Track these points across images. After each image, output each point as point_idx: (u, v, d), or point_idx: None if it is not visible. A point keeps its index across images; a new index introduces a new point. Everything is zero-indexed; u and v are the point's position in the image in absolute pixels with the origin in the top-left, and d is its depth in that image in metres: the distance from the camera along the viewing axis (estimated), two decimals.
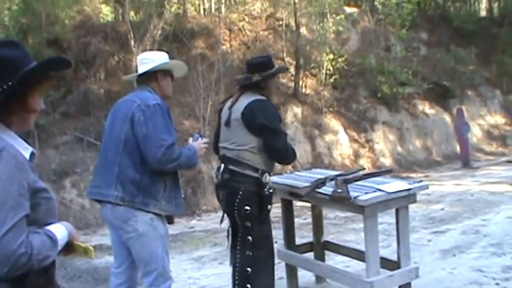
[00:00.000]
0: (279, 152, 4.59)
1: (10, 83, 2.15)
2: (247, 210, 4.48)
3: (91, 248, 2.42)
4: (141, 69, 4.19)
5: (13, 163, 2.09)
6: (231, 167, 4.57)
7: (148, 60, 4.19)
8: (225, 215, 4.75)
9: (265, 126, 4.47)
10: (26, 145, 2.29)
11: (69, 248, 2.37)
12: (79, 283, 6.45)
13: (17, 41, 2.38)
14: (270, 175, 4.64)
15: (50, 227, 2.23)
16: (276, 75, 4.91)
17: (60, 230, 2.28)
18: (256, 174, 4.52)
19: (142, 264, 4.04)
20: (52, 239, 2.19)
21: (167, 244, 4.16)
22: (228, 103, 4.76)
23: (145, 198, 3.93)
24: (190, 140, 4.37)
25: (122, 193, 3.91)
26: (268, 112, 4.54)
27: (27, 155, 2.24)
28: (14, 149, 2.15)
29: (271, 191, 4.57)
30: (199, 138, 4.35)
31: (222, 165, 4.64)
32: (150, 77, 4.18)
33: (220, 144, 4.77)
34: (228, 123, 4.65)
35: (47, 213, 2.26)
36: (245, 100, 4.56)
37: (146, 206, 3.94)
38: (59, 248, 2.26)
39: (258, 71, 4.65)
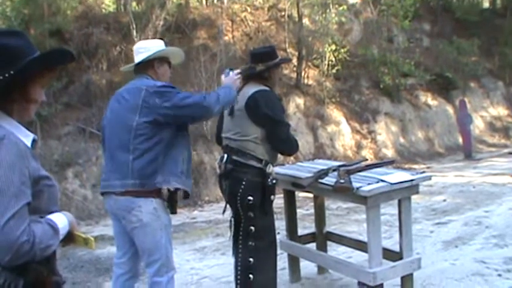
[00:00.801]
0: (282, 142, 4.60)
1: (12, 72, 2.14)
2: (250, 200, 4.48)
3: (91, 238, 2.41)
4: (138, 59, 4.20)
5: (14, 151, 2.09)
6: (234, 157, 4.57)
7: (144, 49, 4.19)
8: (228, 205, 4.76)
9: (269, 117, 4.47)
10: (28, 132, 2.29)
11: (69, 238, 2.37)
12: (81, 273, 6.46)
13: (20, 30, 2.38)
14: (273, 165, 4.64)
15: (51, 216, 2.24)
16: (279, 66, 4.91)
17: (61, 219, 2.28)
18: (259, 165, 4.51)
19: (146, 254, 4.04)
20: (54, 228, 2.19)
21: (170, 234, 4.17)
22: None
23: (165, 176, 3.96)
24: (223, 77, 4.45)
25: (140, 179, 3.91)
26: (272, 103, 4.54)
27: (28, 142, 2.23)
28: (15, 136, 2.15)
29: (274, 181, 4.57)
30: (230, 73, 4.42)
31: (226, 156, 4.64)
32: (146, 66, 4.19)
33: (223, 135, 4.77)
34: (231, 113, 4.65)
35: (49, 200, 2.26)
36: (249, 90, 4.56)
37: (168, 183, 3.96)
38: (60, 237, 2.26)
39: (262, 61, 4.65)
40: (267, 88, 4.61)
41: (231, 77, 4.35)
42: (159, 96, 3.91)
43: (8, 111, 2.22)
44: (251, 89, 4.56)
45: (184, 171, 4.08)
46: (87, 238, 2.40)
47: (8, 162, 2.05)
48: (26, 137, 2.24)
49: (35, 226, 2.09)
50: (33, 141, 2.29)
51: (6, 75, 2.13)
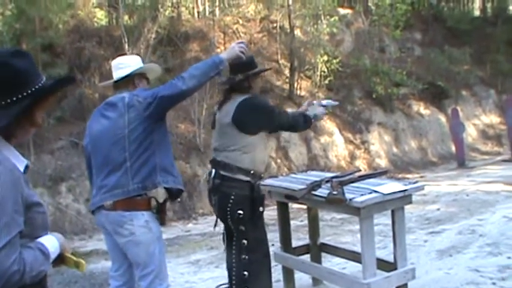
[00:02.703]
0: (287, 127, 4.92)
1: (20, 96, 2.15)
2: (240, 214, 4.50)
3: (82, 261, 2.40)
4: (117, 74, 4.22)
5: (9, 178, 2.07)
6: (222, 172, 4.59)
7: (124, 64, 4.22)
8: (218, 219, 4.78)
9: (262, 121, 4.60)
10: (21, 158, 2.28)
11: (60, 259, 2.36)
12: None
13: (24, 50, 2.38)
14: (262, 174, 4.72)
15: (41, 239, 2.23)
16: (259, 75, 4.91)
17: (52, 242, 2.27)
18: (247, 178, 4.54)
19: (140, 267, 4.03)
20: (44, 253, 2.19)
21: (163, 245, 4.17)
22: (217, 106, 4.86)
23: (163, 177, 3.99)
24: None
25: (141, 183, 3.93)
26: (258, 107, 4.64)
27: (21, 168, 2.22)
28: (10, 163, 2.14)
29: (262, 193, 4.62)
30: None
31: (213, 170, 4.67)
32: (127, 82, 4.20)
33: (212, 146, 4.83)
34: (215, 125, 4.72)
35: (39, 227, 2.25)
36: (234, 103, 4.60)
37: (167, 183, 4.00)
38: (51, 261, 2.25)
39: (241, 71, 4.67)
40: (249, 95, 4.66)
41: (232, 46, 4.33)
42: (139, 95, 3.99)
43: (9, 135, 2.21)
44: (236, 100, 4.60)
45: (176, 171, 4.14)
46: (78, 261, 2.39)
47: (2, 190, 2.03)
48: (20, 163, 2.23)
49: (25, 253, 2.08)
50: (26, 167, 2.27)
51: (14, 98, 2.14)
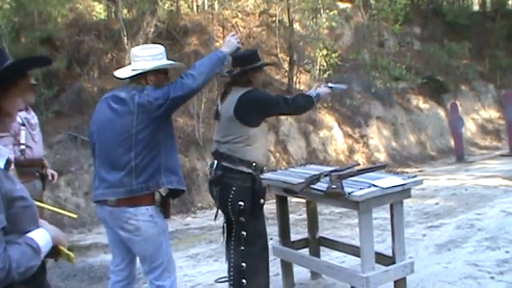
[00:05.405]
0: (288, 112, 5.20)
1: None
2: (241, 205, 4.52)
3: (72, 255, 2.37)
4: (132, 66, 4.05)
5: None
6: (224, 163, 4.62)
7: (139, 58, 4.04)
8: (219, 211, 4.79)
9: (263, 111, 4.67)
10: (1, 152, 2.20)
11: (55, 251, 2.31)
12: (74, 282, 6.43)
13: None
14: (263, 166, 4.77)
15: (31, 234, 2.14)
16: (260, 69, 4.89)
17: (42, 237, 2.18)
18: (249, 170, 4.56)
19: (148, 262, 4.03)
20: (33, 247, 2.09)
21: (168, 238, 4.17)
22: (219, 98, 4.86)
23: (167, 177, 3.96)
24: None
25: (145, 183, 3.90)
26: (257, 99, 4.65)
27: (2, 164, 2.14)
28: None
29: (263, 185, 4.64)
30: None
31: (216, 162, 4.68)
32: (139, 77, 4.02)
33: (214, 138, 4.84)
34: (218, 117, 4.73)
35: (27, 221, 2.14)
36: (234, 96, 4.62)
37: (170, 184, 3.97)
38: (43, 255, 2.16)
39: (241, 65, 4.67)
40: (250, 88, 4.65)
41: (228, 39, 4.31)
42: (150, 95, 3.87)
43: None
44: (237, 93, 4.62)
45: (180, 171, 4.12)
46: (69, 254, 2.36)
47: None
48: (0, 158, 2.15)
49: (12, 249, 2.00)
50: (7, 161, 2.18)
51: None
